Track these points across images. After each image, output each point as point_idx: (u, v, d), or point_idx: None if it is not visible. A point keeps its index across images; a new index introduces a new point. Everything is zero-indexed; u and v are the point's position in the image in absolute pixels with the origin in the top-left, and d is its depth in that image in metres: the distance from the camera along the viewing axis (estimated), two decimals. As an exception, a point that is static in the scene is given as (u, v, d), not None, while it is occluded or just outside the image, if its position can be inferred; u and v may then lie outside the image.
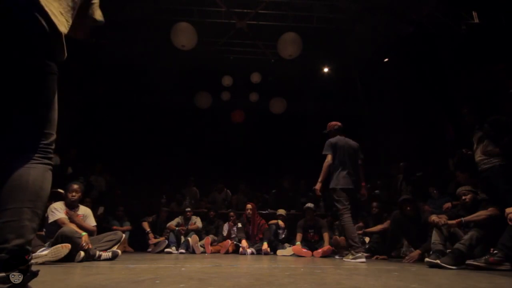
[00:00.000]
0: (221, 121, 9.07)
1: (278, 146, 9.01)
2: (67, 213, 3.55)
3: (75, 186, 3.68)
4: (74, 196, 3.63)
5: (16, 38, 1.06)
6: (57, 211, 3.48)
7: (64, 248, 2.94)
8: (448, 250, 3.19)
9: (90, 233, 3.59)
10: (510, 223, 2.67)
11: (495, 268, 2.67)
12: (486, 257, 2.74)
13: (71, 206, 3.64)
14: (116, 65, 7.47)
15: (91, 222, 3.77)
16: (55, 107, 1.19)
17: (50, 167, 1.19)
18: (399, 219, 4.22)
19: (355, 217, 5.90)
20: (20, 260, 1.02)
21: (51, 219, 3.46)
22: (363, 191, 4.06)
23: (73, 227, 3.43)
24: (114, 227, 5.46)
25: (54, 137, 1.20)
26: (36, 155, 1.14)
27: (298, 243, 5.00)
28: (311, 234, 5.22)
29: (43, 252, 2.89)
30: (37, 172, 1.13)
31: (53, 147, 1.20)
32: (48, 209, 3.52)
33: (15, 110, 1.13)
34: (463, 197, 3.38)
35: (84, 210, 3.77)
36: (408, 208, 4.13)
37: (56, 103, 1.20)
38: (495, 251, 2.74)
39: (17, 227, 1.04)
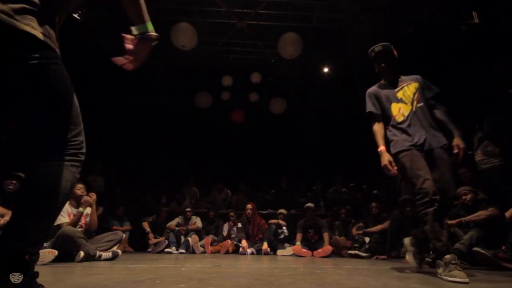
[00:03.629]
0: (221, 121, 9.07)
1: (278, 146, 9.01)
2: (70, 216, 3.55)
3: (81, 185, 3.70)
4: (83, 192, 3.64)
5: None
6: (60, 214, 3.48)
7: (50, 254, 2.95)
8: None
9: (89, 233, 3.62)
10: None
11: (500, 263, 2.69)
12: (496, 250, 2.76)
13: (77, 202, 3.63)
14: (116, 65, 7.45)
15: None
16: (66, 99, 1.13)
17: (73, 163, 1.14)
18: (399, 219, 4.22)
19: (355, 217, 5.95)
20: (19, 261, 1.01)
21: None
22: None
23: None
24: (114, 227, 5.46)
25: (75, 131, 1.16)
26: (55, 153, 1.11)
27: (298, 243, 5.00)
28: (311, 234, 5.22)
29: None
30: (51, 171, 1.09)
31: (76, 142, 1.16)
32: None
33: (22, 111, 1.10)
34: (463, 197, 3.38)
35: (88, 209, 3.77)
36: (408, 208, 4.13)
37: (68, 94, 1.14)
38: (505, 249, 2.77)
39: (20, 230, 1.02)
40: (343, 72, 8.39)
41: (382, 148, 2.38)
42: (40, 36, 1.06)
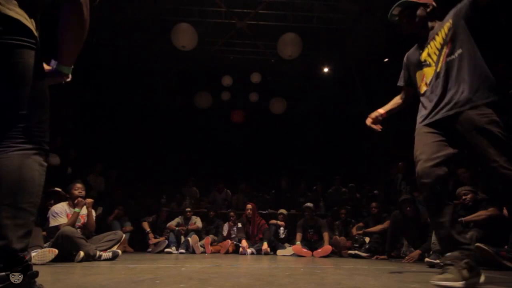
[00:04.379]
0: (221, 121, 9.08)
1: (278, 146, 9.02)
2: (69, 216, 3.55)
3: (79, 184, 3.69)
4: (81, 192, 3.63)
5: None
6: (58, 216, 3.47)
7: (50, 253, 2.94)
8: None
9: (88, 233, 3.62)
10: None
11: (501, 261, 2.69)
12: (498, 249, 2.77)
13: (76, 204, 3.61)
14: (116, 65, 7.47)
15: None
16: (33, 84, 1.10)
17: (35, 151, 1.08)
18: (399, 219, 4.22)
19: (355, 217, 5.95)
20: (17, 260, 1.00)
21: (52, 223, 3.45)
22: None
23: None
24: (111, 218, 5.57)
25: (39, 118, 1.11)
26: (14, 141, 1.04)
27: (298, 243, 5.00)
28: (311, 233, 5.22)
29: (32, 254, 2.88)
30: (11, 162, 1.03)
31: (39, 130, 1.10)
32: (49, 212, 3.51)
33: None
34: (463, 197, 3.39)
35: (85, 210, 3.77)
36: (408, 208, 4.13)
37: (37, 81, 1.12)
38: (508, 249, 2.77)
39: None
40: (343, 72, 8.39)
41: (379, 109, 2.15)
42: (24, 21, 1.09)
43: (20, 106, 1.07)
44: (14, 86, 1.07)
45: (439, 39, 1.84)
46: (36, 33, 1.15)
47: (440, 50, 1.83)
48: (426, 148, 1.74)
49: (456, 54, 1.76)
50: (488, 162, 1.61)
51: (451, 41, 1.78)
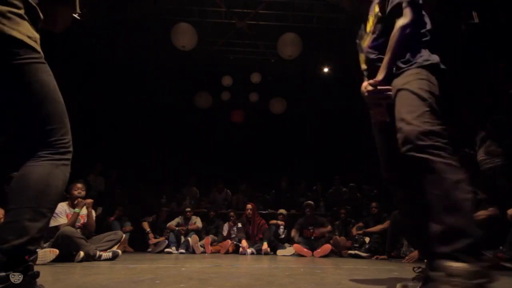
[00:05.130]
0: (221, 121, 9.08)
1: (278, 146, 9.02)
2: (68, 216, 3.55)
3: (80, 184, 3.70)
4: (80, 193, 3.63)
5: None
6: (58, 216, 3.47)
7: (51, 253, 2.95)
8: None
9: (88, 233, 3.62)
10: None
11: (498, 262, 2.69)
12: (495, 250, 2.77)
13: (76, 204, 3.61)
14: (116, 65, 7.47)
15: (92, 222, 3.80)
16: (52, 98, 1.16)
17: (63, 162, 1.18)
18: (399, 219, 4.22)
19: (355, 217, 5.95)
20: (18, 260, 1.02)
21: (51, 223, 3.44)
22: None
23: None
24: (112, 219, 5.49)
25: (63, 130, 1.18)
26: (44, 152, 1.13)
27: (298, 239, 5.03)
28: (311, 230, 5.23)
29: None
30: (42, 170, 1.12)
31: (64, 141, 1.18)
32: None
33: (10, 111, 1.13)
34: (463, 197, 3.39)
35: (85, 210, 3.77)
36: (408, 208, 4.13)
37: (54, 93, 1.17)
38: (505, 250, 2.77)
39: (17, 228, 1.03)
40: (343, 72, 8.38)
41: None
42: (27, 40, 1.11)
43: (46, 122, 1.15)
44: (36, 104, 1.13)
45: (372, 17, 1.64)
46: (38, 47, 1.17)
47: (373, 27, 1.63)
48: (380, 145, 1.59)
49: (378, 28, 1.58)
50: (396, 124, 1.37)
51: (378, 14, 1.58)
